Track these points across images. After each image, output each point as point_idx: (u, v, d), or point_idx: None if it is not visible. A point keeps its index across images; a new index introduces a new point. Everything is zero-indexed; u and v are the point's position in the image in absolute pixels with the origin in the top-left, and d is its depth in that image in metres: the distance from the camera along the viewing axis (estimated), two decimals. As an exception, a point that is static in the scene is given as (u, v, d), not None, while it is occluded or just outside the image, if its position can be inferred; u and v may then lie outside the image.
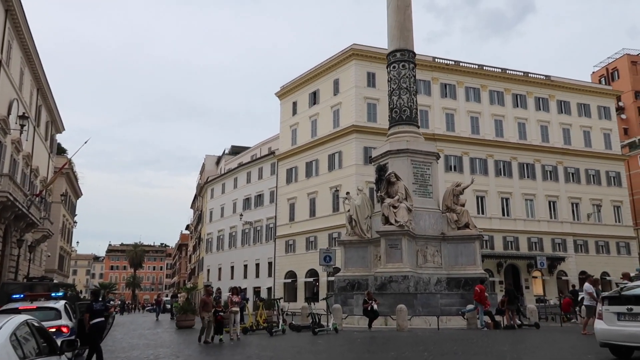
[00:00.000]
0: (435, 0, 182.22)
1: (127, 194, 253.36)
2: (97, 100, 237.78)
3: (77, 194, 65.67)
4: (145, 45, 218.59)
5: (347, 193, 42.94)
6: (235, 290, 20.53)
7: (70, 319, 10.67)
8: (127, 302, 75.27)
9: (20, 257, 33.83)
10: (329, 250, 18.98)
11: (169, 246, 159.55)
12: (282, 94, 53.82)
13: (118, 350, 13.64)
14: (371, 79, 45.54)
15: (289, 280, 48.60)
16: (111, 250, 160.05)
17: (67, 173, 54.87)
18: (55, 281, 35.00)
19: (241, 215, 56.34)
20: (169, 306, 41.34)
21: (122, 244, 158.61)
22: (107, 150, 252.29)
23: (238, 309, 15.84)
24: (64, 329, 9.71)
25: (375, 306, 17.05)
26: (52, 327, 9.64)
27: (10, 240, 31.21)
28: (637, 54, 79.16)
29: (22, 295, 10.55)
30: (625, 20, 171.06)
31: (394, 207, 21.46)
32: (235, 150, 74.06)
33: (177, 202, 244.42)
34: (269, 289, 49.89)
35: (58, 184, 52.54)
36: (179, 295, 47.29)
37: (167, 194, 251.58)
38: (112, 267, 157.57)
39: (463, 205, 22.98)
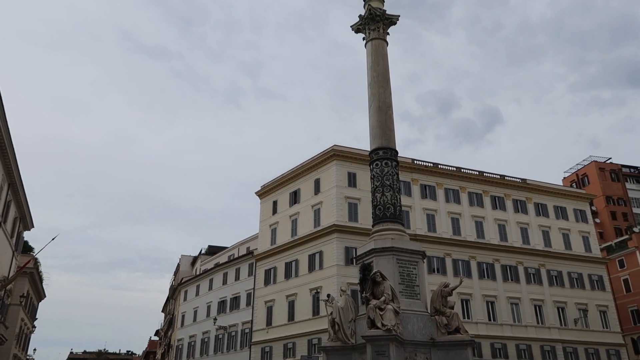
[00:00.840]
0: (409, 110, 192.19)
1: (97, 297, 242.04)
2: (73, 200, 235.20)
3: (40, 295, 61.82)
4: (125, 146, 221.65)
5: (328, 295, 41.06)
6: None
7: None
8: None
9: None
10: (310, 358, 17.16)
11: (135, 354, 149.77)
12: (263, 192, 53.51)
13: None
14: (352, 179, 45.72)
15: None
16: (72, 359, 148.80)
17: (32, 273, 51.91)
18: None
19: (215, 319, 53.34)
20: None
21: (85, 352, 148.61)
22: (79, 251, 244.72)
23: None
24: None
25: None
26: None
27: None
28: (604, 161, 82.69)
29: None
30: (587, 131, 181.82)
31: (380, 309, 20.05)
32: (212, 251, 72.19)
33: (148, 307, 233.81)
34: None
35: (19, 284, 49.42)
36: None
37: (139, 297, 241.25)
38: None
39: (452, 307, 21.66)
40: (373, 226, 23.87)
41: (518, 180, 53.52)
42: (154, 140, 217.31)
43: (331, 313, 23.44)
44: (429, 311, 21.86)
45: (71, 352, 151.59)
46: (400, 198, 23.70)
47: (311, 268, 44.99)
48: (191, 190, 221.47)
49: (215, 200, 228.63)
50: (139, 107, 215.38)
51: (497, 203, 51.47)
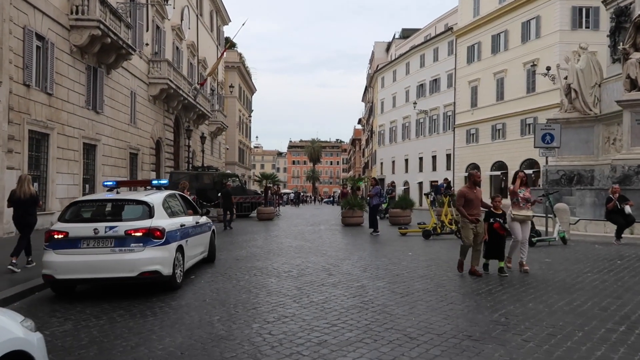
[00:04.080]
0: None
1: (305, 96, 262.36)
2: (274, 6, 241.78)
3: (251, 89, 66.56)
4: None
5: (548, 68, 34.77)
6: (374, 182, 16.78)
7: (180, 213, 7.97)
8: (302, 194, 77.46)
9: (196, 148, 34.03)
10: (549, 127, 13.29)
11: (344, 142, 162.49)
12: (462, -47, 44.57)
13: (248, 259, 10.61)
14: None
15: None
16: (292, 146, 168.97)
17: (239, 67, 54.76)
18: (229, 171, 35.00)
19: (415, 103, 50.96)
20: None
21: (301, 140, 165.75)
22: (285, 54, 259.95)
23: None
24: (156, 233, 6.58)
25: (628, 209, 11.28)
26: (132, 229, 6.67)
27: (182, 131, 31.02)
28: None
29: (114, 183, 7.61)
30: None
31: (647, 65, 14.35)
32: (407, 34, 66.87)
33: (351, 100, 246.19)
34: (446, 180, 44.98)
35: (230, 78, 52.79)
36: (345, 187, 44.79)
37: (342, 93, 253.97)
38: (293, 162, 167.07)
39: None
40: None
41: None
42: None
43: (566, 77, 18.21)
44: None
45: (290, 141, 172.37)
46: None
47: (525, 38, 37.71)
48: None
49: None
50: None
51: None
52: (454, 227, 14.28)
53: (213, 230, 9.83)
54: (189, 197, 9.66)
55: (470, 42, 43.56)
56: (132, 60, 22.34)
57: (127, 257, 6.54)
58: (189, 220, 8.02)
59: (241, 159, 58.79)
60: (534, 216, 9.23)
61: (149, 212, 6.90)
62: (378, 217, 22.46)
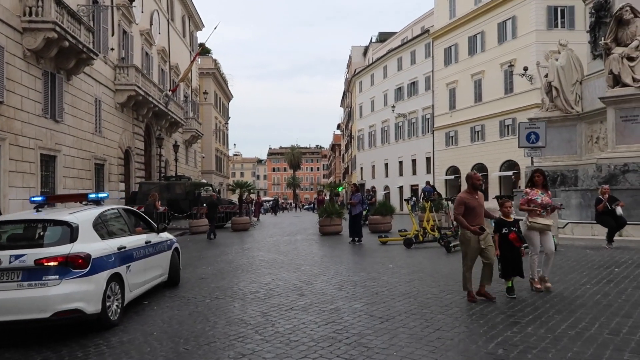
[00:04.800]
0: None
1: (285, 102, 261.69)
2: (250, 13, 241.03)
3: (228, 96, 65.39)
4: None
5: (525, 69, 34.59)
6: (354, 188, 16.09)
7: (121, 233, 6.68)
8: (281, 201, 76.28)
9: (169, 157, 32.83)
10: (534, 125, 12.62)
11: (323, 148, 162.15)
12: (436, -45, 44.33)
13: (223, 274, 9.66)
14: None
15: (451, 177, 42.61)
16: (272, 153, 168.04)
17: (214, 73, 53.64)
18: (204, 181, 33.88)
19: (393, 107, 50.49)
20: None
21: (281, 147, 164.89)
22: (263, 61, 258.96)
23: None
24: (77, 261, 5.41)
25: (620, 210, 10.64)
26: (44, 258, 5.36)
27: (153, 139, 29.84)
28: None
29: (42, 198, 6.50)
30: None
31: (630, 60, 13.87)
32: (383, 38, 66.60)
33: (330, 106, 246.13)
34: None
35: (206, 84, 51.63)
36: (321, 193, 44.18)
37: (321, 99, 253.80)
38: (273, 169, 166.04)
39: None
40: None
41: None
42: None
43: (546, 76, 17.72)
44: None
45: (269, 148, 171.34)
46: None
47: (501, 39, 37.50)
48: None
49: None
50: None
51: None
52: (436, 234, 13.54)
53: (176, 248, 8.50)
54: (140, 212, 8.37)
55: (447, 44, 43.29)
56: (95, 65, 21.21)
57: (38, 293, 5.20)
58: (134, 240, 6.69)
59: (218, 167, 57.57)
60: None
61: (70, 234, 5.62)
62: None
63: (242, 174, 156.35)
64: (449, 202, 13.53)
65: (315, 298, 6.96)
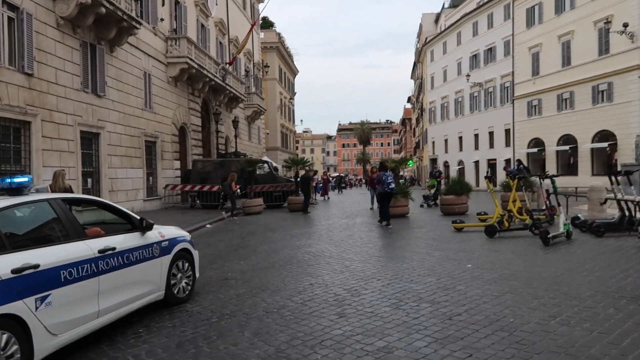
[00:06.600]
0: None
1: (354, 77, 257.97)
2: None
3: (293, 71, 63.68)
4: None
5: (625, 25, 29.90)
6: (380, 167, 14.37)
7: (49, 240, 4.37)
8: (347, 178, 73.74)
9: (229, 134, 31.64)
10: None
11: (394, 122, 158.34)
12: None
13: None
14: None
15: (534, 150, 38.53)
16: (341, 129, 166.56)
17: (277, 47, 51.94)
18: (265, 158, 32.41)
19: (468, 76, 46.58)
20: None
21: (350, 123, 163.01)
22: (333, 37, 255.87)
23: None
24: None
25: None
26: None
27: (211, 115, 28.63)
28: None
29: None
30: None
31: None
32: (457, 3, 61.79)
33: (401, 80, 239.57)
34: (507, 162, 40.69)
35: (269, 59, 50.07)
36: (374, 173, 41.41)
37: (391, 74, 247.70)
38: (343, 145, 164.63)
39: None
40: None
41: None
42: None
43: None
44: None
45: (339, 124, 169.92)
46: None
47: (595, -8, 32.79)
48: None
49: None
50: None
51: None
52: (526, 218, 10.94)
53: (184, 249, 6.11)
54: (110, 203, 5.66)
55: (530, 3, 38.84)
56: (143, 37, 19.97)
57: None
58: (68, 251, 4.25)
59: (284, 143, 56.28)
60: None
61: None
62: (424, 204, 19.16)
63: (312, 151, 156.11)
64: (544, 180, 10.82)
65: (358, 323, 4.85)
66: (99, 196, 16.49)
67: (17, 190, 4.38)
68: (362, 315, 5.09)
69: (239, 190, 18.72)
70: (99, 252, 4.60)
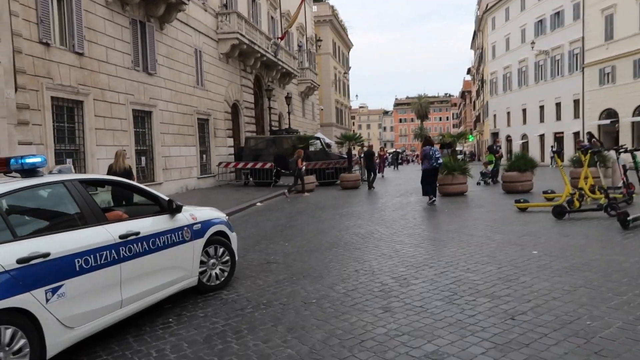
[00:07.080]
0: None
1: (411, 50, 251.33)
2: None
3: (347, 45, 62.40)
4: None
5: None
6: (424, 141, 13.85)
7: (59, 226, 4.02)
8: (404, 153, 71.99)
9: (283, 110, 31.36)
10: None
11: (453, 96, 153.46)
12: None
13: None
14: None
15: (606, 122, 35.83)
16: (398, 104, 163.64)
17: (331, 21, 50.88)
18: (319, 134, 31.97)
19: (533, 43, 43.80)
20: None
21: (407, 97, 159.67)
22: (386, 9, 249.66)
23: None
24: None
25: None
26: None
27: (263, 92, 28.39)
28: None
29: None
30: None
31: None
32: (521, -36, 58.02)
33: (459, 52, 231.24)
34: (576, 135, 38.16)
35: (323, 33, 49.19)
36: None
37: (448, 45, 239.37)
38: (400, 120, 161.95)
39: None
40: None
41: None
42: None
43: None
44: None
45: (395, 98, 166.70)
46: None
47: (682, -56, 29.52)
48: None
49: None
50: None
51: None
52: (600, 197, 9.88)
53: (219, 232, 5.68)
54: (136, 184, 5.38)
55: (604, -41, 35.61)
56: (193, 13, 19.79)
57: None
58: (83, 237, 3.88)
59: (339, 119, 55.57)
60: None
61: None
62: (482, 182, 18.36)
63: (368, 126, 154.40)
64: (622, 154, 9.67)
65: (405, 320, 4.30)
66: (153, 175, 16.67)
67: (31, 171, 4.06)
68: (410, 311, 4.52)
69: (303, 167, 18.22)
70: (120, 237, 4.23)
